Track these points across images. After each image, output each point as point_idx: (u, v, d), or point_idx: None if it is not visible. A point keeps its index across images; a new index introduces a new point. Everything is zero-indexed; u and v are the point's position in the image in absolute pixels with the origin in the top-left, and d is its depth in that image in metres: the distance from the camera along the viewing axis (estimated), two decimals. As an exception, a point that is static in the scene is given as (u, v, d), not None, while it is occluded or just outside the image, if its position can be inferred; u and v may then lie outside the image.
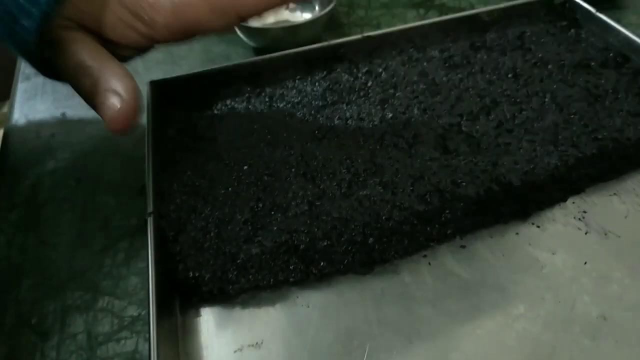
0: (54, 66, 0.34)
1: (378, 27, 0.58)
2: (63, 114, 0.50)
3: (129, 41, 0.35)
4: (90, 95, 0.32)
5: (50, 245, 0.38)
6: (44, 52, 0.33)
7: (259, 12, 0.34)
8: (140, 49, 0.37)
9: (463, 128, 0.39)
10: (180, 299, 0.33)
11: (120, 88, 0.31)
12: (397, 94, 0.43)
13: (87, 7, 0.33)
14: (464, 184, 0.35)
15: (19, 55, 0.34)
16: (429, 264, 0.34)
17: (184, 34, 0.35)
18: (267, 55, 0.47)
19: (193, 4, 0.33)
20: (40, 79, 0.54)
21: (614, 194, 0.37)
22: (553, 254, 0.34)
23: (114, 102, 0.31)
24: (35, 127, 0.49)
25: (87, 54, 0.33)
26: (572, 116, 0.39)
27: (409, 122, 0.40)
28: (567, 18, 0.50)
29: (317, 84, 0.45)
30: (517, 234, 0.35)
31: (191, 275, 0.32)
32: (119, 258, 0.37)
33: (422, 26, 0.49)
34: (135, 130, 0.32)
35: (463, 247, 0.35)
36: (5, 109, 0.61)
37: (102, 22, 0.34)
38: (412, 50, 0.48)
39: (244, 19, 0.34)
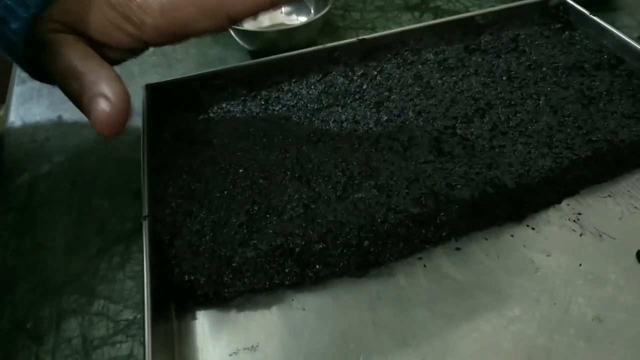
0: (44, 69, 0.34)
1: (373, 30, 0.58)
2: (59, 117, 0.50)
3: (119, 43, 0.34)
4: (79, 99, 0.32)
5: (46, 248, 0.38)
6: (33, 55, 0.33)
7: (248, 14, 0.34)
8: (132, 51, 0.37)
9: (458, 131, 0.39)
10: (176, 302, 0.33)
11: (109, 92, 0.31)
12: (392, 97, 0.43)
13: (75, 9, 0.33)
14: (458, 186, 0.35)
15: (8, 57, 0.34)
16: (424, 266, 0.34)
17: (173, 35, 0.34)
18: (263, 59, 0.47)
19: (181, 5, 0.33)
20: (36, 83, 0.54)
21: (609, 195, 0.37)
22: (548, 255, 0.34)
23: (103, 107, 0.31)
24: (30, 131, 0.49)
25: (77, 58, 0.32)
26: (566, 118, 0.40)
27: (403, 125, 0.40)
28: (561, 20, 0.50)
29: (312, 87, 0.45)
30: (512, 236, 0.36)
31: (186, 278, 0.32)
32: (114, 262, 0.37)
33: (417, 29, 0.49)
34: (124, 132, 0.32)
35: (458, 249, 0.35)
36: (1, 112, 0.61)
37: (91, 25, 0.33)
38: (407, 53, 0.48)
39: (235, 20, 0.34)
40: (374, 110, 0.42)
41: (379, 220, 0.33)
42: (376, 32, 0.53)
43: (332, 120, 0.41)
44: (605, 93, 0.41)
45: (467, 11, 0.58)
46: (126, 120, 0.32)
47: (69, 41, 0.33)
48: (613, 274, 0.33)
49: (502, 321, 0.31)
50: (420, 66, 0.46)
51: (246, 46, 0.54)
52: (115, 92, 0.31)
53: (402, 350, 0.30)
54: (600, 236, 0.35)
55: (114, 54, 0.36)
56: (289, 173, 0.37)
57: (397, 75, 0.45)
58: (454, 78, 0.44)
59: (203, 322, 0.32)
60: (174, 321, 0.32)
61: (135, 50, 0.37)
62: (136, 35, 0.34)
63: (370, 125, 0.41)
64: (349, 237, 0.33)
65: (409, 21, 0.59)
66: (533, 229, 0.36)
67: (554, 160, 0.36)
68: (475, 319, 0.32)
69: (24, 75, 0.55)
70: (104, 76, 0.32)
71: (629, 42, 0.44)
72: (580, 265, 0.34)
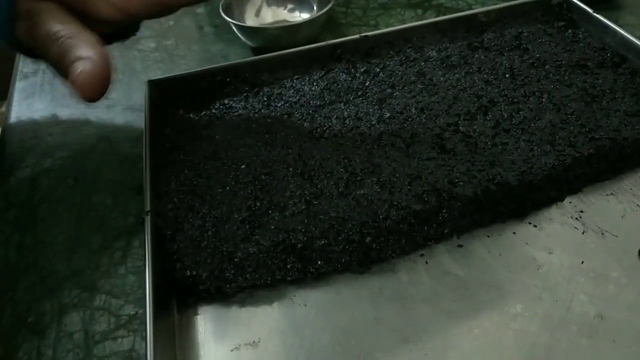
0: (25, 38, 0.33)
1: (376, 27, 0.58)
2: (61, 113, 0.50)
3: (104, 14, 0.34)
4: (61, 63, 0.32)
5: (47, 244, 0.38)
6: (16, 24, 0.33)
7: None
8: (118, 26, 0.36)
9: (460, 128, 0.39)
10: (178, 297, 0.33)
11: (89, 53, 0.30)
12: (394, 94, 0.43)
13: None
14: (461, 183, 0.35)
15: None
16: (426, 263, 0.34)
17: (160, 5, 0.34)
18: (265, 55, 0.47)
19: None
20: (38, 78, 0.54)
21: (611, 193, 0.37)
22: (550, 253, 0.34)
23: (83, 68, 0.30)
24: (32, 127, 0.49)
25: (57, 22, 0.32)
26: (569, 116, 0.40)
27: (406, 122, 0.40)
28: (564, 18, 0.50)
29: (315, 83, 0.45)
30: (514, 233, 0.35)
31: (188, 274, 0.32)
32: (116, 257, 0.37)
33: (420, 26, 0.49)
34: (105, 98, 0.31)
35: (460, 246, 0.35)
36: (3, 109, 0.61)
37: None
38: (409, 50, 0.48)
39: None
40: (376, 107, 0.42)
41: (381, 216, 0.33)
42: (379, 29, 0.53)
43: (335, 116, 0.41)
44: (608, 91, 0.41)
45: (470, 9, 0.58)
46: (106, 82, 0.31)
47: (49, 8, 0.33)
48: (615, 272, 0.33)
49: (504, 318, 0.31)
50: (423, 63, 0.46)
51: (249, 43, 0.54)
52: (95, 53, 0.31)
53: (404, 347, 0.30)
54: (602, 234, 0.35)
55: (100, 29, 0.35)
56: (291, 169, 0.37)
57: (399, 73, 0.45)
58: (456, 75, 0.44)
59: (205, 318, 0.32)
60: (176, 316, 0.32)
61: (121, 23, 0.36)
62: (121, 7, 0.33)
63: (373, 122, 0.40)
64: (351, 233, 0.33)
65: (412, 18, 0.59)
66: (535, 226, 0.36)
67: (557, 158, 0.36)
68: (477, 316, 0.31)
69: (26, 70, 0.55)
70: (83, 39, 0.31)
71: (632, 40, 0.44)
72: (583, 263, 0.34)
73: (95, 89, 0.30)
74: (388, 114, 0.41)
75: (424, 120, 0.40)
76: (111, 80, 0.31)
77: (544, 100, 0.41)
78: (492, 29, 0.50)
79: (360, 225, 0.33)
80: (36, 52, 0.34)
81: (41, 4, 0.33)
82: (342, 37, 0.48)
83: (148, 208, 0.34)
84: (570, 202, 0.37)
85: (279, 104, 0.43)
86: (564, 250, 0.34)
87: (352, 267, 0.34)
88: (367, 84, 0.44)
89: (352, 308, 0.32)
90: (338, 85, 0.44)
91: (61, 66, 0.32)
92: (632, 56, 0.44)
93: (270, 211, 0.34)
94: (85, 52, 0.31)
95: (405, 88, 0.43)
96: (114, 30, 0.37)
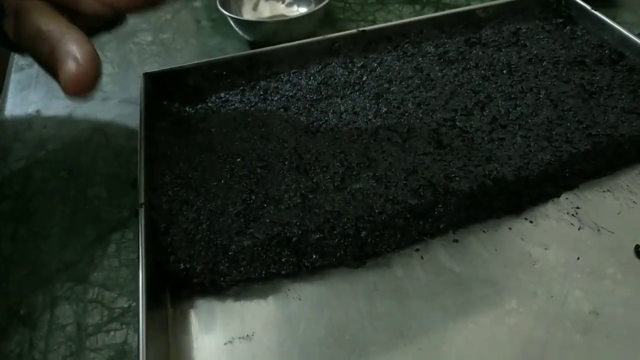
0: (14, 36, 0.33)
1: (374, 22, 0.58)
2: (56, 106, 0.49)
3: (89, 9, 0.34)
4: (48, 61, 0.31)
5: (41, 236, 0.38)
6: (2, 21, 0.33)
7: None
8: (104, 19, 0.36)
9: (457, 123, 0.39)
10: (171, 290, 0.33)
11: (77, 52, 0.30)
12: (391, 89, 0.43)
13: None
14: (457, 178, 0.35)
15: None
16: (422, 258, 0.34)
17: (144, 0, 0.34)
18: (263, 49, 0.46)
19: None
20: (34, 70, 0.54)
21: (607, 190, 0.37)
22: (546, 249, 0.34)
23: (70, 66, 0.30)
24: (27, 119, 0.48)
25: (45, 21, 0.32)
26: (566, 112, 0.39)
27: (403, 117, 0.40)
28: (562, 15, 0.50)
29: (311, 77, 0.45)
30: (510, 229, 0.35)
31: (182, 267, 0.31)
32: (110, 249, 0.37)
33: (418, 22, 0.49)
34: (92, 96, 0.31)
35: (456, 241, 0.35)
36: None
37: None
38: (407, 45, 0.47)
39: None
40: (373, 101, 0.42)
41: (376, 211, 0.33)
42: (377, 24, 0.53)
43: (331, 111, 0.41)
44: (605, 88, 0.41)
45: (468, 5, 0.57)
46: (95, 81, 0.31)
47: (36, 5, 0.32)
48: (611, 268, 0.33)
49: (499, 314, 0.31)
50: (420, 58, 0.46)
51: (246, 36, 0.54)
52: (84, 52, 0.30)
53: (398, 341, 0.30)
54: (598, 230, 0.35)
55: (84, 23, 0.35)
56: (287, 163, 0.37)
57: (397, 67, 0.45)
58: (454, 71, 0.44)
59: (198, 311, 0.32)
60: (169, 309, 0.32)
61: (106, 18, 0.35)
62: (106, 1, 0.33)
63: (369, 117, 0.40)
64: (346, 227, 0.33)
65: (410, 14, 0.59)
66: (531, 222, 0.36)
67: (554, 154, 0.36)
68: (472, 311, 0.31)
69: (22, 63, 0.55)
70: (72, 38, 0.31)
71: (630, 37, 0.44)
72: (578, 259, 0.33)
73: (82, 87, 0.30)
74: (385, 109, 0.41)
75: (420, 115, 0.40)
76: (100, 77, 0.31)
77: (541, 96, 0.41)
78: (490, 25, 0.50)
79: (356, 219, 0.33)
80: (24, 49, 0.34)
81: (28, 2, 0.32)
82: (339, 31, 0.48)
83: (142, 201, 0.34)
84: (567, 198, 0.37)
85: (276, 98, 0.43)
86: (560, 246, 0.34)
87: (347, 261, 0.33)
88: (364, 78, 0.44)
89: (346, 302, 0.32)
90: (335, 79, 0.44)
91: (50, 65, 0.32)
92: (630, 53, 0.44)
93: (265, 205, 0.34)
94: (73, 50, 0.31)
95: (403, 83, 0.43)
96: (100, 24, 0.37)
